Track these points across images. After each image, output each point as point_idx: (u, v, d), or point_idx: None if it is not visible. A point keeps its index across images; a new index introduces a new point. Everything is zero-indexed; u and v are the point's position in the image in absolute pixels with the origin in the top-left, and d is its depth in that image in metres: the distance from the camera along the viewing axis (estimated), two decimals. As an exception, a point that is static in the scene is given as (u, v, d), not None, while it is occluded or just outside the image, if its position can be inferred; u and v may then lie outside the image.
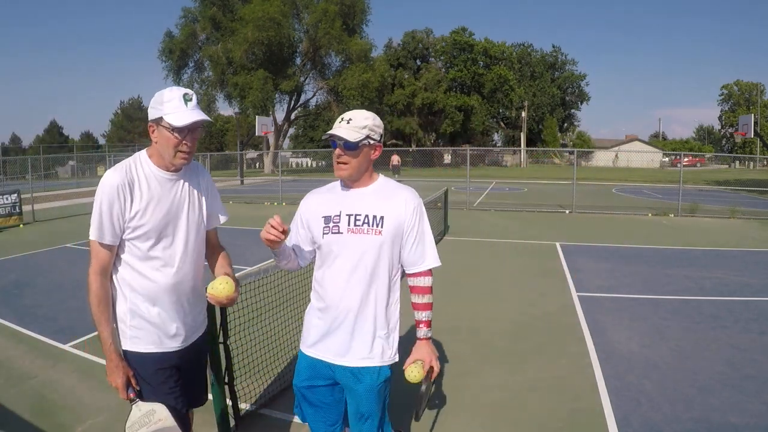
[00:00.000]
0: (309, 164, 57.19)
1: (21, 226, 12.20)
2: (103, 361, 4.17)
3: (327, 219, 1.89)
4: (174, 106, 1.76)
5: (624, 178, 29.52)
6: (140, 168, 1.84)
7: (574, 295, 5.77)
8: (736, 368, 3.76)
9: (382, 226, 1.83)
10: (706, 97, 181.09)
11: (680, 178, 13.85)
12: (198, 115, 1.77)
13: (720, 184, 25.20)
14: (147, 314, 1.87)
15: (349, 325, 1.87)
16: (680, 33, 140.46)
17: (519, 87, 57.24)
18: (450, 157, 44.95)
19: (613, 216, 13.12)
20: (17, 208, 12.32)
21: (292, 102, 42.87)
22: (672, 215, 13.10)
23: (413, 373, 1.87)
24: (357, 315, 1.86)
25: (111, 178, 1.77)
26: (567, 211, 13.57)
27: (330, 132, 1.81)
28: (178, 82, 39.84)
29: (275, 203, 16.78)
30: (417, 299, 1.92)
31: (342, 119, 1.85)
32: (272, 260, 2.64)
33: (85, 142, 58.23)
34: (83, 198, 20.41)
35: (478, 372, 3.79)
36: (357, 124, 1.81)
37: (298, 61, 41.56)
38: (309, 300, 2.02)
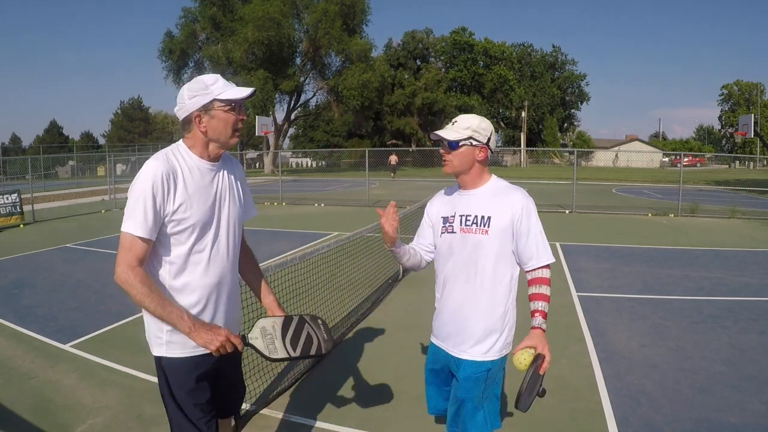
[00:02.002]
0: (309, 164, 57.13)
1: (21, 226, 12.20)
2: (103, 361, 4.18)
3: (445, 219, 2.06)
4: (223, 85, 1.71)
5: (624, 178, 29.53)
6: (181, 158, 1.73)
7: (574, 295, 5.77)
8: (736, 368, 3.76)
9: (488, 226, 1.94)
10: (706, 97, 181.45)
11: (680, 178, 13.85)
12: (251, 88, 1.74)
13: (720, 184, 25.19)
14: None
15: (456, 319, 2.03)
16: (680, 33, 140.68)
17: (519, 87, 57.28)
18: (450, 157, 44.89)
19: (613, 216, 13.13)
20: (17, 208, 12.33)
21: (292, 102, 42.83)
22: (672, 215, 13.10)
23: (521, 359, 1.84)
24: (462, 309, 2.01)
25: (154, 166, 1.65)
26: (567, 211, 13.58)
27: (435, 132, 1.99)
28: (178, 82, 39.80)
29: (275, 203, 16.77)
30: (534, 290, 1.94)
31: (451, 122, 2.02)
32: (273, 260, 2.64)
33: (85, 142, 58.10)
34: (83, 198, 20.42)
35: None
36: (460, 125, 1.97)
37: (298, 61, 41.52)
38: (309, 300, 2.04)
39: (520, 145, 55.85)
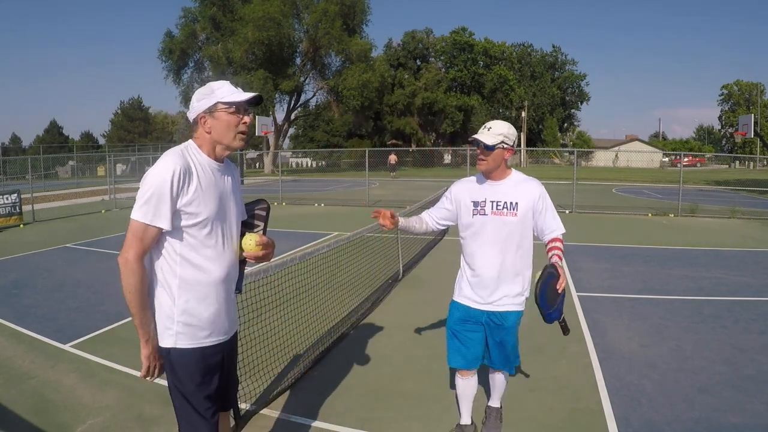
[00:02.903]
0: (309, 164, 57.09)
1: (21, 226, 12.19)
2: (103, 361, 4.17)
3: (476, 204, 2.55)
4: (228, 90, 1.81)
5: (624, 178, 29.51)
6: (194, 155, 1.82)
7: (574, 295, 5.76)
8: (736, 368, 3.76)
9: (517, 209, 2.48)
10: (706, 97, 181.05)
11: (680, 178, 13.85)
12: (256, 93, 1.84)
13: (720, 184, 25.19)
14: (197, 308, 1.80)
15: (494, 282, 2.53)
16: (680, 33, 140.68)
17: (519, 87, 57.22)
18: (450, 157, 44.94)
19: (613, 216, 13.13)
20: (17, 208, 12.31)
21: (292, 102, 42.81)
22: (672, 215, 13.10)
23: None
24: (498, 275, 2.52)
25: (172, 161, 1.72)
26: (567, 211, 13.57)
27: (474, 136, 2.45)
28: (178, 82, 39.84)
29: (275, 203, 16.76)
30: (551, 245, 2.51)
31: (484, 127, 2.49)
32: (274, 260, 2.64)
33: (85, 142, 57.98)
34: (83, 198, 20.41)
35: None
36: (495, 131, 2.44)
37: (298, 61, 41.50)
38: (309, 300, 2.05)
39: (520, 145, 55.78)
